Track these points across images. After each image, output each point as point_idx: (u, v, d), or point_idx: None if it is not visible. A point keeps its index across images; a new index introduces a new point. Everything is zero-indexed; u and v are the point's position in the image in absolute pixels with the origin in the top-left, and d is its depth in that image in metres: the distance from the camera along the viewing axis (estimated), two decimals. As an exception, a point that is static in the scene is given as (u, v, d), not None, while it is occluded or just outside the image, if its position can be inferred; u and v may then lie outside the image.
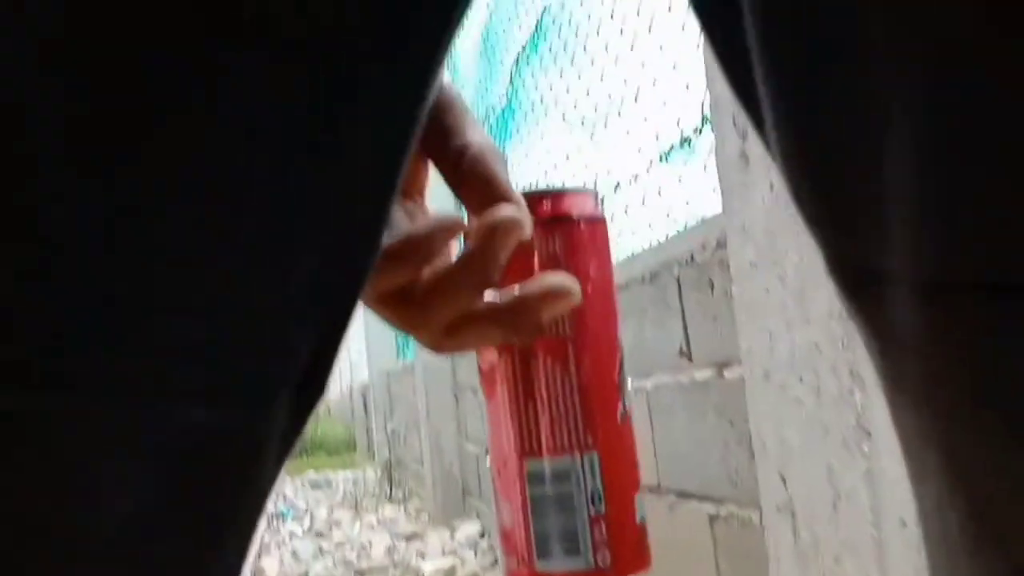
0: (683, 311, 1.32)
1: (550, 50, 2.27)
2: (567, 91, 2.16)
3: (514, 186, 0.32)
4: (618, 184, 1.81)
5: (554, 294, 0.32)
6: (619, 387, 0.36)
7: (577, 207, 0.35)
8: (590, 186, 0.39)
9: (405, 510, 4.05)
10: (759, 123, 0.22)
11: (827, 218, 0.21)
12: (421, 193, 0.35)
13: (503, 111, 2.77)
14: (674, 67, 1.46)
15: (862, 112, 0.18)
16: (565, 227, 0.35)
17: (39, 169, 0.18)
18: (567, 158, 2.23)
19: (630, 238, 1.73)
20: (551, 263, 0.34)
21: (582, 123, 2.11)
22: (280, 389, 0.22)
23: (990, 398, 0.18)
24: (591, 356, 0.35)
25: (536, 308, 0.32)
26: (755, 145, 0.98)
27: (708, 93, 1.18)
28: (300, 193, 0.21)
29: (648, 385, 1.43)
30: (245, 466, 0.22)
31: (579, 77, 2.06)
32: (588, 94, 2.01)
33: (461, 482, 3.31)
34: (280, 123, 0.20)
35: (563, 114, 2.22)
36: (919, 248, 0.18)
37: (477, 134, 0.32)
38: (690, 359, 1.31)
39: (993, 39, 0.15)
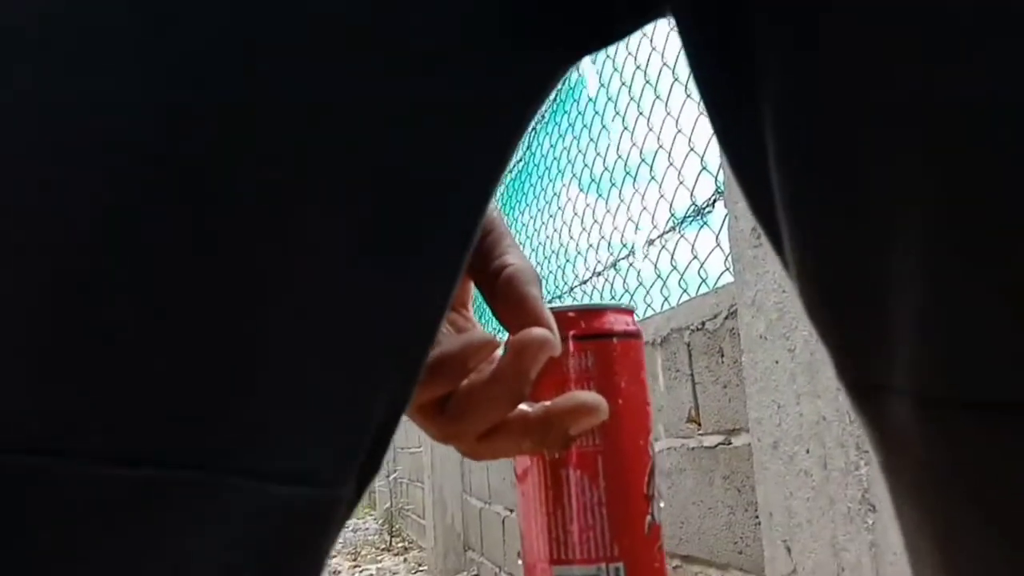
0: (693, 377, 1.35)
1: (568, 118, 2.33)
2: (582, 157, 2.22)
3: (546, 304, 0.34)
4: (632, 249, 1.86)
5: (582, 410, 0.34)
6: (647, 498, 0.37)
7: (611, 324, 0.37)
8: (626, 303, 0.41)
9: (405, 561, 4.02)
10: (778, 246, 0.25)
11: (838, 334, 0.24)
12: (465, 305, 0.38)
13: (519, 172, 2.83)
14: (689, 141, 1.51)
15: (872, 244, 0.21)
16: (599, 343, 0.37)
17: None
18: (581, 220, 2.28)
19: (641, 302, 1.76)
20: (585, 377, 0.36)
21: (597, 189, 2.16)
22: (351, 468, 0.25)
23: (981, 502, 0.20)
24: (620, 468, 0.36)
25: (565, 422, 0.34)
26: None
27: (723, 170, 1.22)
28: (372, 314, 0.24)
29: (656, 448, 1.44)
30: (318, 533, 0.25)
31: (595, 145, 2.12)
32: (604, 162, 2.06)
33: (463, 536, 3.30)
34: (355, 251, 0.23)
35: (578, 179, 2.27)
36: (920, 365, 0.21)
37: (515, 256, 0.35)
38: (699, 424, 1.33)
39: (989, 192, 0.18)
